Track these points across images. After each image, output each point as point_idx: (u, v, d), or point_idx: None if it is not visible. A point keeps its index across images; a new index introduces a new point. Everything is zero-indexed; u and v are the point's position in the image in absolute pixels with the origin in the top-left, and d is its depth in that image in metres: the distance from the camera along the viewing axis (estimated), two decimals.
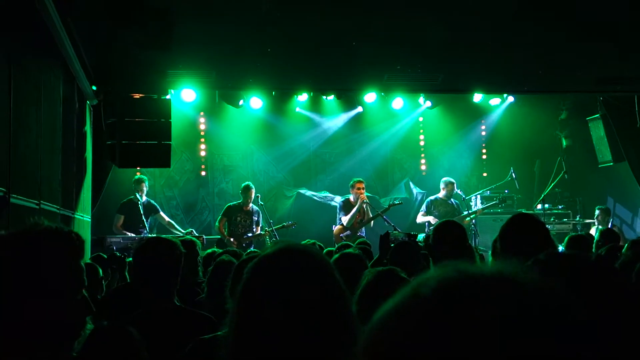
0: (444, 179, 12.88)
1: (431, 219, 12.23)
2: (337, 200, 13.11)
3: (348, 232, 11.87)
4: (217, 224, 12.20)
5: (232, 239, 11.65)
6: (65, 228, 2.14)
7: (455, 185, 12.74)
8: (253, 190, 12.12)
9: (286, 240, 1.86)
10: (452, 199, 12.71)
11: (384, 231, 6.51)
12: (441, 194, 12.70)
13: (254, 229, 12.06)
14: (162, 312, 3.75)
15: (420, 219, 12.65)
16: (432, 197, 12.81)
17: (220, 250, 7.09)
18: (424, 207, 12.81)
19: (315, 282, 1.72)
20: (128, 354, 2.74)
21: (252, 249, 11.03)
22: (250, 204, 12.13)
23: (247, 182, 12.46)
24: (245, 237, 11.91)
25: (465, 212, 12.62)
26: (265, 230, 12.01)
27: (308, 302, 1.68)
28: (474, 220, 12.49)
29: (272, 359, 1.66)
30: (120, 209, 11.78)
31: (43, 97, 6.79)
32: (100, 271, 6.39)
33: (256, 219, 12.12)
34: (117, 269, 7.34)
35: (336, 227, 12.13)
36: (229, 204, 12.32)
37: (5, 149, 5.22)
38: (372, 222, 12.18)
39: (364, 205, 12.03)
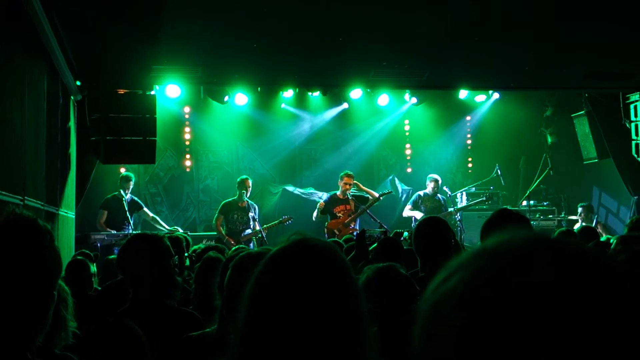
0: (431, 175, 12.88)
1: (417, 214, 12.23)
2: (324, 197, 13.06)
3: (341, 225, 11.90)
4: (214, 222, 12.01)
5: (230, 239, 11.42)
6: (31, 216, 2.09)
7: (440, 181, 12.76)
8: (250, 185, 11.87)
9: (302, 232, 1.80)
10: (438, 195, 12.73)
11: (370, 226, 6.51)
12: (428, 189, 12.71)
13: (252, 225, 11.79)
14: (148, 309, 3.70)
15: (407, 213, 12.64)
16: (420, 193, 12.81)
17: (204, 246, 7.04)
18: (411, 201, 12.82)
19: (332, 279, 1.68)
20: (131, 349, 2.71)
21: (251, 246, 10.98)
22: (246, 200, 11.85)
23: (243, 176, 12.19)
24: (243, 235, 11.66)
25: (451, 209, 12.63)
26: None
27: (323, 298, 1.63)
28: (459, 217, 12.50)
29: (284, 357, 1.62)
30: (104, 205, 11.66)
31: (27, 91, 6.70)
32: (92, 267, 6.33)
33: (252, 214, 11.81)
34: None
35: (329, 222, 12.10)
36: (225, 201, 12.05)
37: None
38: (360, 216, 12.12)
39: (352, 200, 12.02)
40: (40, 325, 2.06)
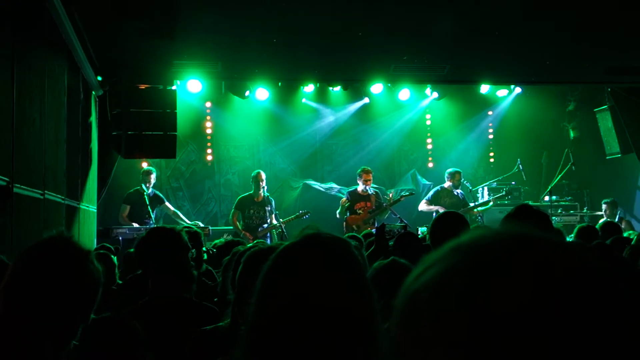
0: (450, 169, 12.77)
1: (439, 208, 12.02)
2: (341, 189, 13.02)
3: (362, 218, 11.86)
4: (230, 217, 12.06)
5: (247, 233, 11.39)
6: (62, 238, 2.22)
7: (461, 175, 12.62)
8: (263, 178, 11.79)
9: (314, 227, 1.79)
10: (457, 190, 12.57)
11: (390, 222, 6.51)
12: (447, 184, 12.57)
13: (269, 220, 11.76)
14: (167, 302, 3.73)
15: (425, 207, 12.48)
16: (438, 187, 12.69)
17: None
18: (429, 195, 12.68)
19: (339, 275, 1.66)
20: (127, 345, 2.71)
21: (268, 241, 10.99)
22: (262, 194, 11.78)
23: (257, 170, 12.11)
24: (260, 229, 11.65)
25: (473, 204, 12.54)
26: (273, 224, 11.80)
27: (330, 295, 1.62)
28: (480, 212, 12.43)
29: (290, 354, 1.61)
30: (126, 199, 11.73)
31: (47, 87, 6.76)
32: (115, 259, 6.37)
33: (269, 208, 11.76)
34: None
35: (348, 217, 12.03)
36: (240, 196, 12.07)
37: (8, 138, 5.20)
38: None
39: (373, 196, 11.99)
40: (68, 341, 2.18)
